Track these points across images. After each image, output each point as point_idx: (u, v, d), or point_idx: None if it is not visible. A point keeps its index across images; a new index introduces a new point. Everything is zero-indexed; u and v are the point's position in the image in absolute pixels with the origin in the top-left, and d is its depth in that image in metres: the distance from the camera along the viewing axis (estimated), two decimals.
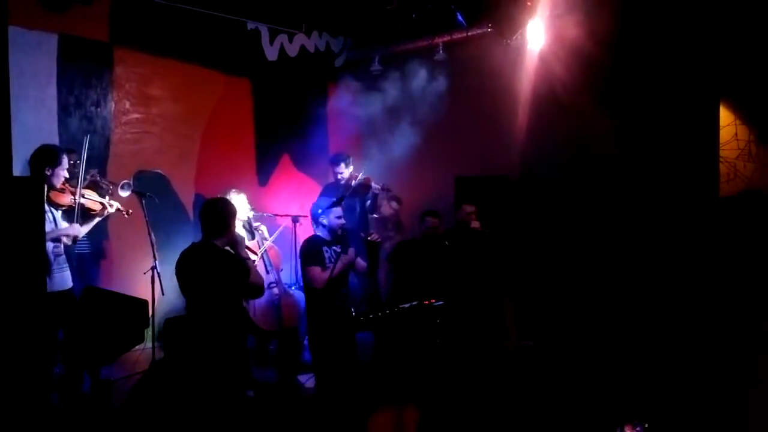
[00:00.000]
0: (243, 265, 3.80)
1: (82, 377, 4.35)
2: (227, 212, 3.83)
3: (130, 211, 4.99)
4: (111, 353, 4.44)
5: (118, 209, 4.80)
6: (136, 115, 6.15)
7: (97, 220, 4.74)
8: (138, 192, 5.28)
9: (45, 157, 4.31)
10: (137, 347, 4.95)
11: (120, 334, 4.31)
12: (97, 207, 4.68)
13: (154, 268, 5.24)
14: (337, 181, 6.18)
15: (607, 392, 4.13)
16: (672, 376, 4.32)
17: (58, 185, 4.36)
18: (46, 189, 4.16)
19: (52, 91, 5.58)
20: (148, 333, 4.97)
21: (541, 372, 4.97)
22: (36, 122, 5.37)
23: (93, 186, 4.97)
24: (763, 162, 5.44)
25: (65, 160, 4.40)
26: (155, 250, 5.28)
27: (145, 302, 4.50)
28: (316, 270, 4.46)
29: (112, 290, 4.99)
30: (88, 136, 4.84)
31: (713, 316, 4.83)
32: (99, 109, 5.90)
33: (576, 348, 5.26)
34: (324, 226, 4.61)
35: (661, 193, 5.51)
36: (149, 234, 5.26)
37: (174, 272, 3.83)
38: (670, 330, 5.04)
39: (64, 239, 4.39)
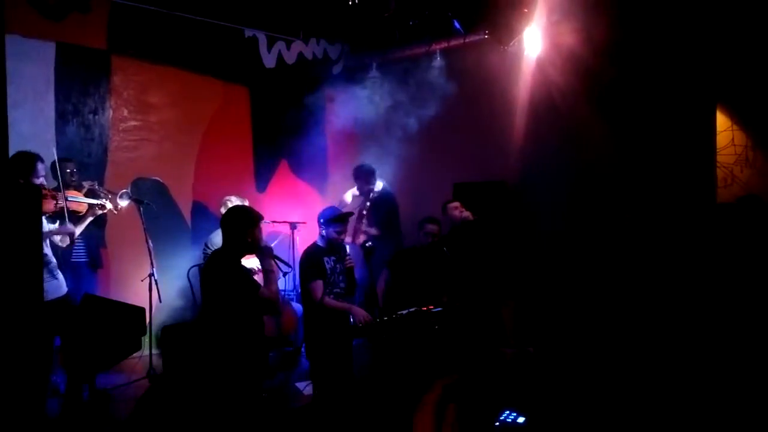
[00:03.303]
0: (246, 280, 3.66)
1: (82, 386, 4.33)
2: (239, 221, 3.69)
3: (119, 206, 5.05)
4: (108, 361, 4.43)
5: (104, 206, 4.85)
6: (134, 123, 6.16)
7: (89, 219, 4.74)
8: (136, 199, 5.28)
9: (19, 165, 4.17)
10: (134, 355, 4.93)
11: (117, 341, 4.30)
12: (83, 208, 4.67)
13: (151, 275, 5.24)
14: (367, 192, 6.07)
15: (607, 398, 4.12)
16: (671, 380, 4.31)
17: None
18: None
19: (50, 98, 5.60)
20: (146, 340, 4.97)
21: (541, 378, 4.96)
22: (33, 130, 5.37)
23: (89, 194, 4.97)
24: (760, 167, 5.45)
25: (41, 167, 4.29)
26: (153, 258, 5.29)
27: (143, 310, 4.50)
28: (319, 283, 4.45)
29: (109, 298, 4.98)
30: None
31: (712, 322, 4.82)
32: (97, 117, 5.91)
33: (576, 354, 5.25)
34: (323, 236, 4.60)
35: (659, 199, 5.51)
36: (147, 241, 5.27)
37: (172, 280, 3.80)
38: (669, 335, 5.04)
39: (58, 241, 4.31)
